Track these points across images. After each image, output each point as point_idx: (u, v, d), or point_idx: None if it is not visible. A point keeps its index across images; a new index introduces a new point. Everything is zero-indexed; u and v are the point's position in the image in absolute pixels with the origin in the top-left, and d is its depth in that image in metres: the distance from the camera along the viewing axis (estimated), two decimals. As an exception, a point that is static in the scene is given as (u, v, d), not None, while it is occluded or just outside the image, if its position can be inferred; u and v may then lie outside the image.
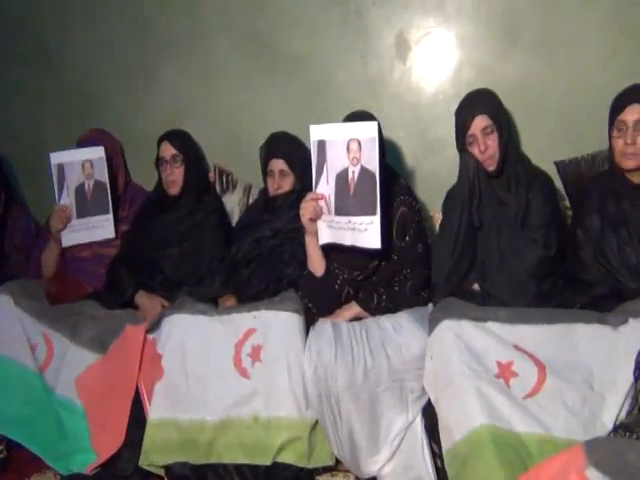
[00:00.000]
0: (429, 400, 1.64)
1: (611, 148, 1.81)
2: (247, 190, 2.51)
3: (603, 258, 1.76)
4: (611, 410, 1.40)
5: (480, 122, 1.90)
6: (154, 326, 1.89)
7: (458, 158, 1.99)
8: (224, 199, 2.46)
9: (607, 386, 1.45)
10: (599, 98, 1.88)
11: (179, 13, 2.65)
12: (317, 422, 1.70)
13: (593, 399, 1.45)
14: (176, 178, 2.26)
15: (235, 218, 2.42)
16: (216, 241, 2.25)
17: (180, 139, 2.30)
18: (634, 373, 1.36)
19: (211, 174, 2.50)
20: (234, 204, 2.46)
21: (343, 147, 1.73)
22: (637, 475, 1.09)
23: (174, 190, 2.28)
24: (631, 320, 1.50)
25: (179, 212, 2.28)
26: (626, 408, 1.35)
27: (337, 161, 1.75)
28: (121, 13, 2.71)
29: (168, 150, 2.26)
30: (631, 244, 1.73)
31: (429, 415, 1.63)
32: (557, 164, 2.07)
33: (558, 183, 2.11)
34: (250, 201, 2.47)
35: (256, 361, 1.74)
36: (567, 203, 2.10)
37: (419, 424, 1.64)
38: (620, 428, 1.29)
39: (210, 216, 2.30)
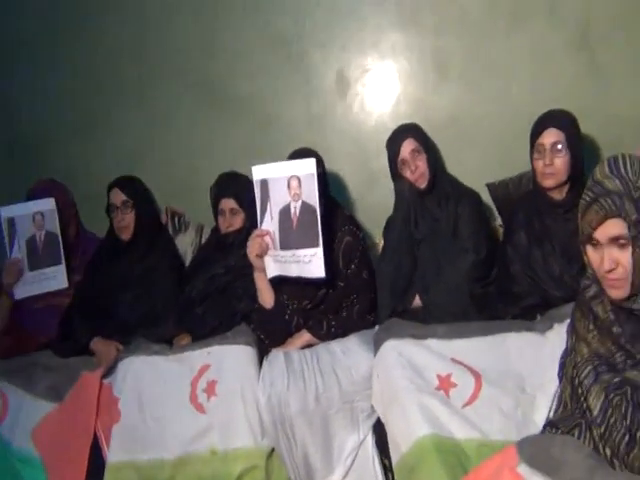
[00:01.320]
0: (378, 418, 1.71)
1: (533, 169, 1.95)
2: (199, 230, 2.57)
3: (530, 271, 1.88)
4: (541, 411, 1.49)
5: (408, 145, 2.07)
6: (110, 371, 1.92)
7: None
8: (177, 240, 2.51)
9: (537, 388, 1.55)
10: (523, 124, 2.02)
11: (128, 59, 2.75)
12: (273, 450, 1.75)
13: (525, 402, 1.55)
14: (127, 224, 2.31)
15: (188, 259, 2.47)
16: (169, 283, 2.28)
17: (130, 185, 2.36)
18: (558, 374, 1.46)
19: (163, 216, 2.56)
20: (187, 245, 2.51)
21: (284, 184, 1.83)
22: (561, 466, 1.18)
23: (126, 235, 2.32)
24: (556, 325, 1.61)
25: (132, 257, 2.32)
26: (554, 407, 1.44)
27: (279, 198, 1.85)
28: (71, 60, 2.79)
29: (118, 197, 2.31)
30: (554, 256, 1.85)
31: (379, 432, 1.70)
32: (488, 186, 2.21)
33: (491, 203, 2.26)
34: (203, 241, 2.53)
35: (211, 396, 1.78)
36: (499, 222, 2.24)
37: (370, 441, 1.71)
38: (548, 426, 1.38)
39: (163, 259, 2.35)
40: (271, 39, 2.65)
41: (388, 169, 2.17)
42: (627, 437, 1.22)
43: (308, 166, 1.79)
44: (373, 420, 1.74)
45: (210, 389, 1.79)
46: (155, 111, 2.76)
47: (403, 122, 2.26)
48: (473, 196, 2.15)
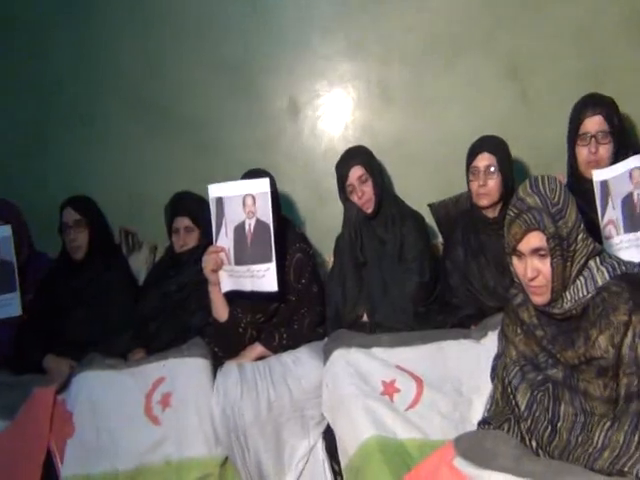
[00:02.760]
0: (328, 424, 1.80)
1: (469, 190, 2.10)
2: (153, 250, 2.62)
3: (468, 283, 2.03)
4: (477, 411, 1.60)
5: (355, 172, 2.19)
6: (63, 386, 1.93)
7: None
8: (130, 259, 2.54)
9: (473, 391, 1.68)
10: (461, 149, 2.18)
11: (77, 79, 2.79)
12: (227, 458, 1.80)
13: (462, 404, 1.67)
14: (80, 243, 2.33)
15: (142, 277, 2.50)
16: (124, 300, 2.31)
17: (82, 204, 2.38)
18: (490, 376, 1.58)
19: (116, 236, 2.59)
20: (141, 264, 2.55)
21: (239, 202, 1.92)
22: (492, 457, 1.29)
23: (79, 255, 2.34)
24: (490, 333, 1.75)
25: (85, 276, 2.33)
26: (487, 406, 1.56)
27: (234, 215, 1.93)
28: (19, 80, 2.80)
29: (71, 215, 2.33)
30: (489, 269, 2.00)
31: (329, 438, 1.79)
32: (430, 206, 2.36)
33: (432, 222, 2.40)
34: (157, 259, 2.57)
35: (166, 407, 1.83)
36: (440, 239, 2.39)
37: (320, 447, 1.79)
38: (481, 423, 1.50)
39: (117, 277, 2.37)
40: (221, 64, 2.74)
41: (335, 191, 2.29)
42: (549, 429, 1.35)
43: (263, 185, 1.89)
44: (323, 427, 1.82)
45: (165, 401, 1.83)
46: (105, 131, 2.80)
47: (351, 145, 2.39)
48: (417, 218, 2.28)
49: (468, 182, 2.10)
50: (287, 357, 1.96)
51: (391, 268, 2.12)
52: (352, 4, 2.66)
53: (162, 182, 2.70)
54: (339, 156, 2.32)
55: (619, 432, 1.23)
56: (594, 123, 1.92)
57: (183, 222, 2.33)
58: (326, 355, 1.84)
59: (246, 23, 2.71)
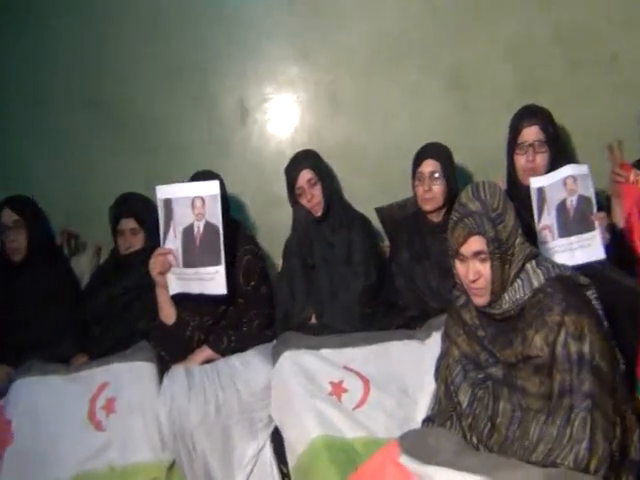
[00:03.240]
0: (276, 426, 1.81)
1: (415, 194, 2.17)
2: (97, 252, 2.56)
3: (413, 285, 2.09)
4: (422, 410, 1.66)
5: (305, 176, 2.22)
6: (1, 394, 1.86)
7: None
8: (73, 262, 2.48)
9: (418, 390, 1.74)
10: (407, 154, 2.24)
11: (21, 78, 2.70)
12: (174, 462, 1.78)
13: (407, 403, 1.73)
14: (19, 245, 2.25)
15: (86, 280, 2.43)
16: (66, 304, 2.25)
17: (21, 204, 2.30)
18: (434, 375, 1.64)
19: (58, 238, 2.51)
20: (84, 266, 2.48)
21: (188, 204, 1.91)
22: (435, 453, 1.34)
23: (17, 257, 2.26)
24: (434, 333, 1.80)
25: (24, 279, 2.25)
26: (431, 405, 1.62)
27: (183, 217, 1.92)
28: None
29: (9, 216, 2.25)
30: (433, 272, 2.07)
31: (276, 440, 1.80)
32: (377, 210, 2.42)
33: (379, 226, 2.46)
34: (101, 262, 2.51)
35: (110, 413, 1.79)
36: (387, 242, 2.44)
37: (268, 449, 1.80)
38: (425, 421, 1.56)
39: (57, 281, 2.30)
40: (170, 64, 2.71)
41: (285, 194, 2.31)
42: (489, 425, 1.41)
43: (212, 187, 1.89)
44: (271, 429, 1.83)
45: (109, 406, 1.80)
46: (47, 130, 2.72)
47: (300, 149, 2.42)
48: (364, 222, 2.33)
49: (414, 187, 2.16)
50: (235, 360, 1.95)
51: (339, 271, 2.16)
52: (302, 10, 2.69)
53: (107, 182, 2.65)
54: (288, 159, 2.34)
55: (553, 426, 1.30)
56: (531, 133, 2.02)
57: (128, 224, 2.29)
58: (275, 357, 1.86)
59: (196, 24, 2.70)
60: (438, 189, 2.09)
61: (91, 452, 1.74)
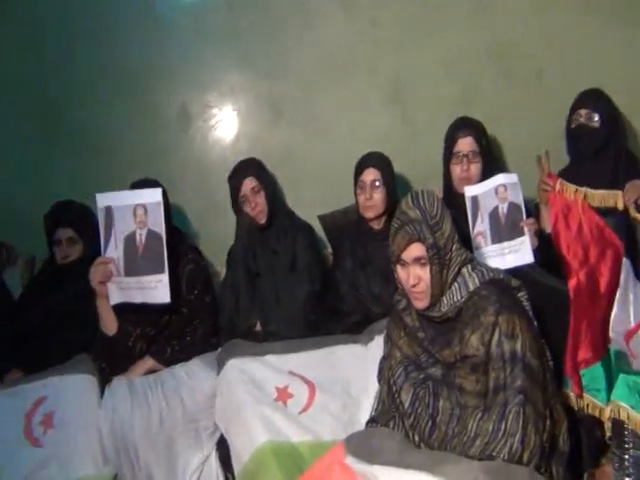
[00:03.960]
0: (222, 435, 1.81)
1: (356, 202, 2.23)
2: (30, 262, 2.47)
3: (356, 291, 2.14)
4: (366, 412, 1.69)
5: (248, 184, 2.24)
6: None
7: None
8: (5, 273, 2.38)
9: (361, 392, 1.78)
10: (347, 163, 2.30)
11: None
12: (116, 476, 1.75)
13: (352, 405, 1.77)
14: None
15: (19, 292, 2.35)
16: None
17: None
18: (377, 377, 1.69)
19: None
20: (16, 278, 2.40)
21: (130, 212, 1.88)
22: (379, 453, 1.38)
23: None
24: (376, 337, 1.85)
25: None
26: (375, 406, 1.66)
27: (125, 225, 1.89)
28: None
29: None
30: (375, 278, 2.12)
31: (222, 448, 1.80)
32: (319, 217, 2.46)
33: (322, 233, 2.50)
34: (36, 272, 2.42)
35: (48, 428, 1.74)
36: (330, 250, 2.49)
37: (214, 457, 1.80)
38: (369, 422, 1.60)
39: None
40: (113, 69, 2.67)
41: (230, 201, 2.31)
42: (430, 423, 1.47)
43: (155, 195, 1.88)
44: (216, 437, 1.83)
45: (47, 421, 1.75)
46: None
47: (243, 157, 2.43)
48: (308, 229, 2.36)
49: (355, 195, 2.22)
50: (180, 369, 1.94)
51: (283, 278, 2.18)
52: (244, 19, 2.71)
53: (42, 189, 2.56)
54: (231, 167, 2.35)
55: (488, 421, 1.37)
56: (466, 144, 2.12)
57: (65, 233, 2.23)
58: (220, 365, 1.85)
59: (140, 29, 2.68)
60: (379, 197, 2.15)
61: (30, 469, 1.68)
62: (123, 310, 1.95)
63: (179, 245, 2.15)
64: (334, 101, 2.73)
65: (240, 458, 1.67)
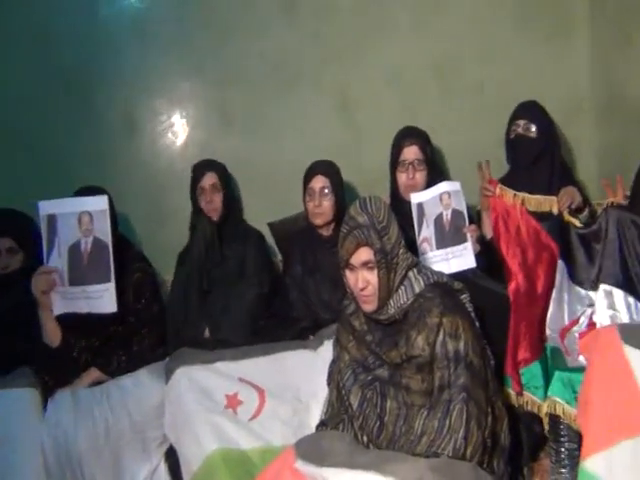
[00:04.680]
0: (171, 445, 1.78)
1: (306, 209, 2.25)
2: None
3: (305, 298, 2.16)
4: (315, 416, 1.71)
5: (210, 179, 2.27)
6: None
7: (188, 225, 2.30)
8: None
9: (311, 397, 1.80)
10: (298, 170, 2.31)
11: None
12: (60, 491, 1.69)
13: (301, 410, 1.78)
14: None
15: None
16: None
17: None
18: (327, 381, 1.71)
19: None
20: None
21: (74, 220, 1.85)
22: (328, 455, 1.40)
23: None
24: (325, 342, 1.87)
25: None
26: (324, 410, 1.68)
27: (69, 234, 1.85)
28: None
29: None
30: (324, 285, 2.15)
31: (171, 458, 1.78)
32: (269, 225, 2.47)
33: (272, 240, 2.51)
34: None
35: (-13, 445, 1.67)
36: (280, 257, 2.50)
37: (163, 468, 1.78)
38: (319, 425, 1.62)
39: None
40: (57, 74, 2.62)
41: (176, 209, 2.30)
42: (378, 423, 1.50)
43: (100, 202, 1.85)
44: (165, 447, 1.80)
45: (-16, 438, 1.68)
46: None
47: (191, 164, 2.40)
48: (258, 236, 2.37)
49: (304, 202, 2.24)
50: (126, 379, 1.90)
51: (232, 285, 2.18)
52: (193, 26, 2.71)
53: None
54: (180, 174, 2.35)
55: (434, 419, 1.41)
56: (411, 152, 2.18)
57: (4, 243, 2.15)
58: (168, 374, 1.83)
59: (85, 34, 2.63)
60: (328, 204, 2.18)
61: (-35, 489, 1.61)
62: (67, 320, 1.91)
63: (126, 253, 2.11)
64: (283, 109, 2.76)
65: (190, 467, 1.65)
